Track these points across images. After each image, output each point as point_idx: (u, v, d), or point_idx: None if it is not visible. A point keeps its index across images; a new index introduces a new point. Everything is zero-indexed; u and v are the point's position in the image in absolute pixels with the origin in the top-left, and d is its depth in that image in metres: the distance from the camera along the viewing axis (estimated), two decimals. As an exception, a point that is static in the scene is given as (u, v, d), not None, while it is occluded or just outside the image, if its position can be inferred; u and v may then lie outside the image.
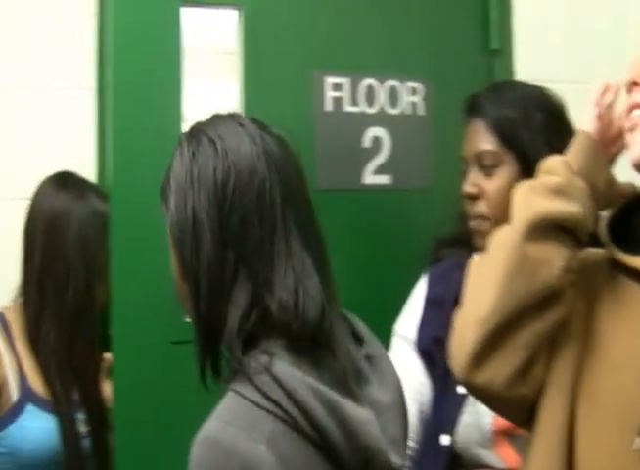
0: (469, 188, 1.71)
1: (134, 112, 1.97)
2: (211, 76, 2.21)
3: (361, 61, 2.22)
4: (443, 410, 1.68)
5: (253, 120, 1.24)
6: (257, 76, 2.10)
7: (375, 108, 2.22)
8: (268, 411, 1.09)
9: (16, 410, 1.95)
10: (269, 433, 1.08)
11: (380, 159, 2.21)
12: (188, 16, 2.04)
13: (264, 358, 1.11)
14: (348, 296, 2.05)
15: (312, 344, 1.15)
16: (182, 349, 1.91)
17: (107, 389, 1.97)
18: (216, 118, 1.25)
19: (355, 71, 2.20)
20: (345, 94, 2.19)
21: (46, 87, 2.32)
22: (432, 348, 1.72)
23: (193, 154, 1.19)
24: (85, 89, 2.31)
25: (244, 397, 1.11)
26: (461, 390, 1.61)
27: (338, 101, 2.18)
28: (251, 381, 1.11)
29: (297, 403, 1.09)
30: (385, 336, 1.81)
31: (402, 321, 1.82)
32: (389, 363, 1.28)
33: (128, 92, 1.97)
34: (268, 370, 1.10)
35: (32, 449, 1.93)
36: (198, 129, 1.23)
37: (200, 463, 1.07)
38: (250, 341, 1.14)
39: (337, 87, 2.18)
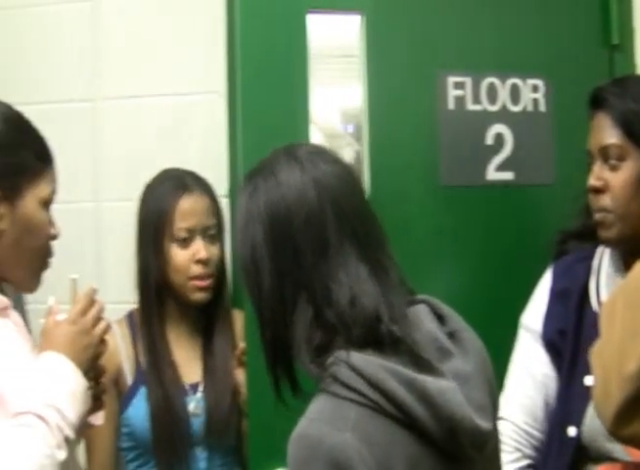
0: (594, 181, 1.71)
1: (263, 116, 2.04)
2: (336, 80, 2.26)
3: (482, 60, 2.24)
4: (569, 402, 1.68)
5: (310, 147, 1.34)
6: (381, 78, 2.15)
7: (497, 106, 2.24)
8: (351, 400, 1.15)
9: (130, 393, 2.10)
10: (353, 420, 1.14)
11: (502, 155, 2.23)
12: (313, 21, 2.11)
13: (339, 353, 1.18)
14: (470, 290, 2.08)
15: (381, 337, 1.21)
16: None
17: (240, 376, 2.03)
18: (273, 154, 1.33)
19: (477, 70, 2.23)
20: (467, 93, 2.22)
21: (179, 92, 2.43)
22: (557, 339, 1.73)
23: (250, 193, 1.27)
24: (216, 94, 2.40)
25: (326, 392, 1.18)
26: (587, 381, 1.61)
27: (460, 100, 2.21)
28: (331, 375, 1.17)
29: (376, 387, 1.14)
30: (511, 329, 1.84)
31: (528, 314, 1.84)
32: (471, 335, 1.31)
33: (257, 97, 2.04)
34: (345, 362, 1.16)
35: (146, 427, 2.06)
36: (256, 168, 1.32)
37: (292, 460, 1.15)
38: (321, 350, 1.21)
39: (459, 86, 2.21)
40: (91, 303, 1.53)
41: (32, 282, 1.58)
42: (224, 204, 2.37)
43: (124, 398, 2.11)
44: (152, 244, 2.11)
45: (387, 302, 1.22)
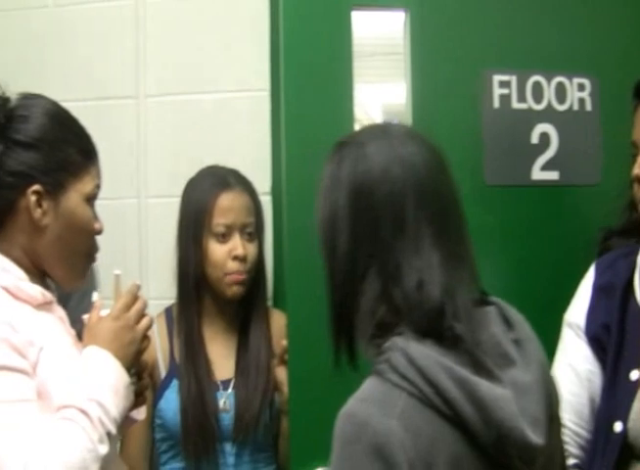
0: (638, 170, 1.67)
1: (306, 113, 2.03)
2: (380, 77, 2.26)
3: (528, 58, 2.20)
4: (615, 397, 1.65)
5: (404, 127, 1.34)
6: (425, 76, 2.12)
7: (542, 105, 2.21)
8: (402, 388, 1.16)
9: (163, 385, 2.13)
10: (401, 409, 1.15)
11: (548, 155, 2.20)
12: (357, 18, 2.09)
13: (398, 339, 1.19)
14: (515, 290, 2.05)
15: (442, 331, 1.21)
16: None
17: (282, 374, 2.03)
18: (366, 128, 1.36)
19: (522, 69, 2.19)
20: (513, 91, 2.19)
21: (223, 90, 2.44)
22: (601, 334, 1.71)
23: (338, 160, 1.29)
24: (260, 91, 2.40)
25: (379, 375, 1.19)
26: (633, 376, 1.59)
27: (505, 98, 2.18)
28: (386, 360, 1.19)
29: (428, 381, 1.15)
30: (556, 329, 1.81)
31: (571, 310, 1.81)
32: (536, 346, 1.30)
33: (300, 94, 2.03)
34: (402, 350, 1.18)
35: (176, 420, 2.09)
36: (347, 138, 1.34)
37: (337, 436, 1.16)
38: (382, 330, 1.23)
39: (504, 85, 2.18)
40: (134, 298, 1.54)
41: (75, 278, 1.59)
42: (267, 201, 2.38)
43: (157, 389, 2.14)
44: (191, 238, 2.14)
45: (453, 295, 1.22)
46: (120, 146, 2.46)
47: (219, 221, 2.12)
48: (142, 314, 1.54)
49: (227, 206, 2.14)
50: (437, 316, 1.20)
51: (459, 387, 1.15)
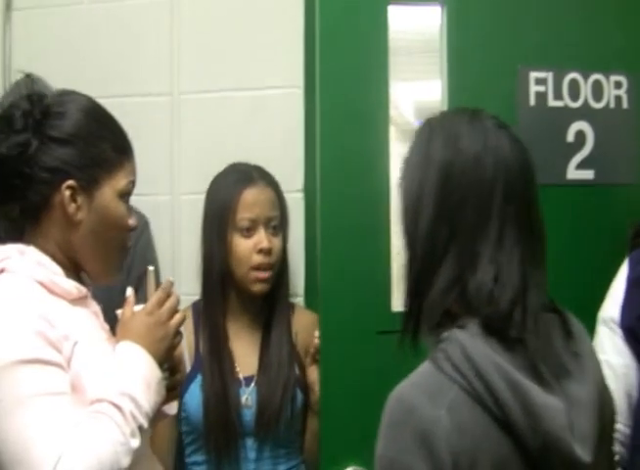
0: None
1: (342, 111, 2.01)
2: (415, 74, 2.24)
3: (565, 55, 2.18)
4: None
5: (493, 118, 1.31)
6: (461, 72, 2.10)
7: (579, 102, 2.18)
8: (454, 381, 1.17)
9: (188, 379, 2.11)
10: (451, 400, 1.15)
11: (583, 153, 2.17)
12: (394, 14, 2.06)
13: (458, 332, 1.19)
14: (550, 289, 2.02)
15: (507, 331, 1.20)
16: (387, 339, 1.91)
17: (314, 374, 2.02)
18: (455, 110, 1.37)
19: (559, 66, 2.17)
20: (549, 89, 2.16)
21: (257, 87, 2.44)
22: (636, 326, 1.70)
23: (428, 138, 1.29)
24: (294, 88, 2.41)
25: (435, 364, 1.19)
26: None
27: (541, 96, 2.15)
28: (443, 350, 1.19)
29: (481, 378, 1.15)
30: (588, 328, 1.79)
31: (605, 305, 1.81)
32: (595, 363, 1.29)
33: (336, 92, 2.01)
34: (459, 343, 1.18)
35: (199, 414, 2.10)
36: (437, 118, 1.33)
37: (386, 417, 1.19)
38: (448, 317, 1.23)
39: (540, 82, 2.15)
40: (167, 294, 1.54)
41: (109, 273, 1.59)
42: (299, 199, 2.38)
43: (183, 383, 2.12)
44: (216, 234, 2.15)
45: (525, 296, 1.21)
46: (155, 143, 2.47)
47: (244, 216, 2.13)
48: (175, 310, 1.54)
49: (251, 200, 2.14)
50: (505, 316, 1.20)
51: (511, 389, 1.15)
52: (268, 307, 2.20)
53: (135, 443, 1.36)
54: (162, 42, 2.48)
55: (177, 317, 1.54)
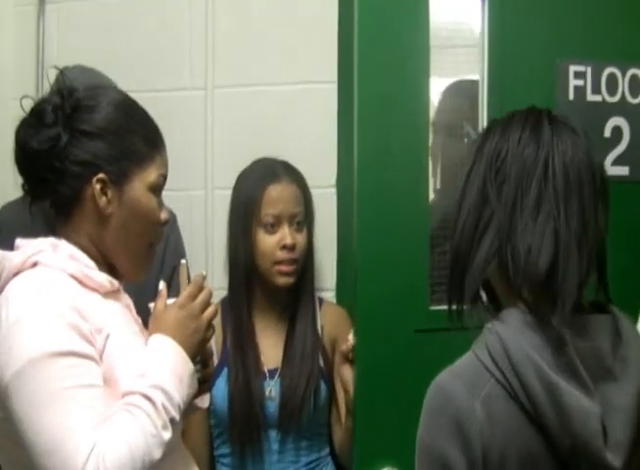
0: None
1: (380, 106, 1.96)
2: (454, 68, 2.19)
3: (604, 48, 2.14)
4: None
5: (551, 113, 1.33)
6: (502, 66, 2.06)
7: (616, 97, 2.14)
8: (492, 373, 1.19)
9: (215, 373, 2.12)
10: (486, 393, 1.18)
11: (619, 149, 2.13)
12: (434, 6, 2.02)
13: (499, 326, 1.22)
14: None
15: (550, 327, 1.19)
16: (425, 337, 1.93)
17: (347, 372, 1.98)
18: (529, 109, 1.35)
19: (597, 60, 2.13)
20: (588, 83, 2.12)
21: (290, 82, 2.43)
22: None
23: (486, 130, 1.33)
24: (328, 83, 2.39)
25: (475, 354, 1.23)
26: None
27: (580, 90, 2.12)
28: (484, 342, 1.22)
29: (517, 375, 1.17)
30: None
31: None
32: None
33: (374, 87, 1.96)
34: (500, 337, 1.20)
35: (225, 407, 2.12)
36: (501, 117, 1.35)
37: (426, 404, 1.23)
38: (493, 301, 1.31)
39: (579, 76, 2.12)
40: (200, 288, 1.54)
41: (139, 268, 1.58)
42: (332, 194, 2.37)
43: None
44: (241, 229, 2.17)
45: (562, 274, 1.21)
46: (189, 137, 2.47)
47: (268, 212, 2.15)
48: (207, 304, 1.54)
49: (275, 196, 2.16)
50: (543, 288, 1.21)
51: (545, 389, 1.15)
52: (293, 301, 2.21)
53: (167, 435, 1.36)
54: (197, 36, 2.48)
55: (209, 311, 1.53)
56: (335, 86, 2.38)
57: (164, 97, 2.46)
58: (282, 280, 2.16)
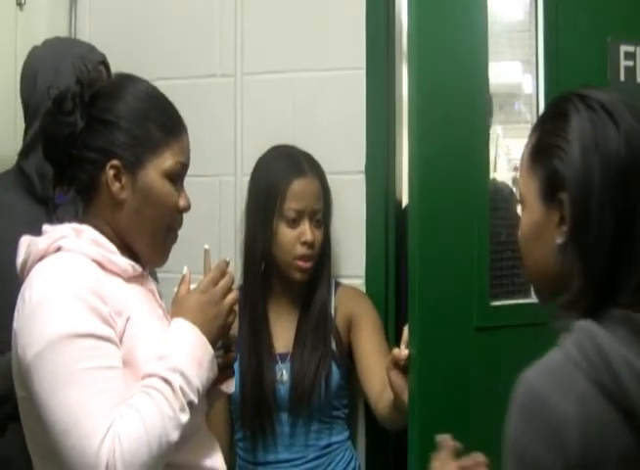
0: None
1: (436, 93, 1.87)
2: (504, 54, 2.16)
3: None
4: None
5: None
6: (555, 48, 2.00)
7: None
8: (584, 372, 1.14)
9: None
10: (580, 393, 1.13)
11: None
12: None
13: (589, 324, 1.17)
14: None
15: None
16: (486, 335, 1.85)
17: (397, 379, 1.84)
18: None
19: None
20: (638, 63, 2.07)
21: (320, 68, 2.41)
22: None
23: (592, 119, 1.22)
24: (357, 70, 2.36)
25: (565, 352, 1.17)
26: None
27: (630, 71, 2.06)
28: (574, 340, 1.17)
29: (611, 371, 1.12)
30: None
31: None
32: None
33: (431, 75, 1.86)
34: (591, 333, 1.15)
35: (238, 391, 2.10)
36: (593, 98, 1.25)
37: (515, 403, 1.16)
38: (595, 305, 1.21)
39: (629, 56, 2.06)
40: (222, 273, 1.54)
41: (158, 254, 1.58)
42: (360, 180, 2.36)
43: None
44: (261, 219, 2.16)
45: None
46: (219, 124, 2.46)
47: (291, 206, 2.13)
48: (229, 289, 1.54)
49: (300, 191, 2.14)
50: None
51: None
52: (308, 288, 2.21)
53: (184, 417, 1.37)
54: (227, 23, 2.47)
55: (230, 296, 1.54)
56: (363, 73, 2.35)
57: (194, 84, 2.46)
58: (298, 275, 2.16)
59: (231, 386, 1.68)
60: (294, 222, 2.13)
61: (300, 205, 2.13)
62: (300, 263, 2.14)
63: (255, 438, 2.16)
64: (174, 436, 1.36)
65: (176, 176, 1.55)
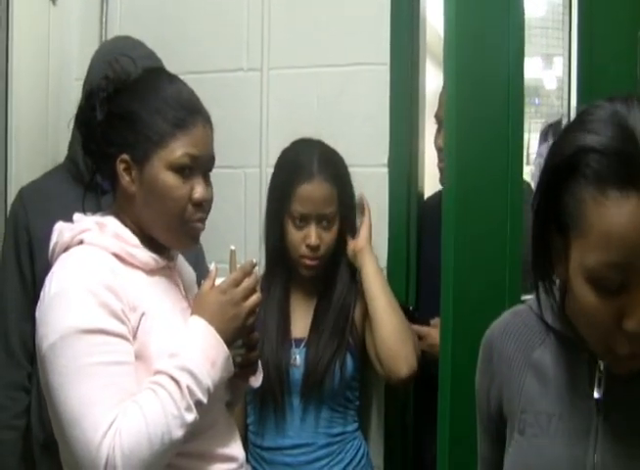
0: None
1: (473, 87, 1.81)
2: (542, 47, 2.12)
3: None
4: None
5: None
6: (590, 44, 1.94)
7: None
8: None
9: None
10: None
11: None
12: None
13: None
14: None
15: None
16: None
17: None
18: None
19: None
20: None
21: (344, 63, 2.38)
22: None
23: None
24: (381, 65, 2.33)
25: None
26: None
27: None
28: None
29: None
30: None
31: None
32: None
33: (468, 67, 1.80)
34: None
35: None
36: None
37: None
38: None
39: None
40: (245, 275, 1.50)
41: (180, 240, 1.54)
42: (384, 174, 2.33)
43: None
44: (273, 215, 2.18)
45: None
46: (244, 117, 2.44)
47: (297, 209, 2.12)
48: (251, 291, 1.50)
49: (306, 196, 2.12)
50: None
51: None
52: (327, 276, 2.20)
53: (190, 417, 1.36)
54: (253, 18, 2.45)
55: (252, 299, 1.50)
56: (387, 68, 2.32)
57: (221, 78, 2.44)
58: (304, 271, 2.17)
59: (258, 380, 1.68)
60: (300, 222, 2.13)
61: (306, 209, 2.12)
62: (306, 261, 2.14)
63: (266, 420, 2.15)
64: (178, 434, 1.34)
65: (186, 168, 1.49)
